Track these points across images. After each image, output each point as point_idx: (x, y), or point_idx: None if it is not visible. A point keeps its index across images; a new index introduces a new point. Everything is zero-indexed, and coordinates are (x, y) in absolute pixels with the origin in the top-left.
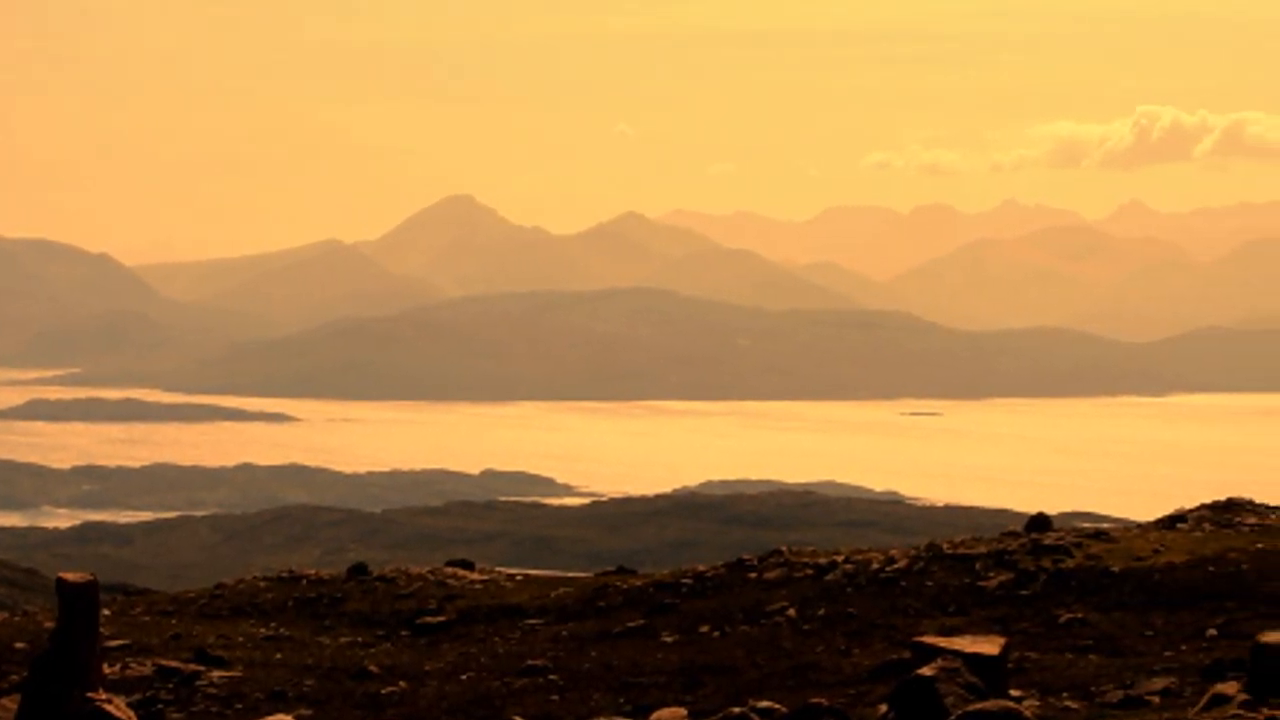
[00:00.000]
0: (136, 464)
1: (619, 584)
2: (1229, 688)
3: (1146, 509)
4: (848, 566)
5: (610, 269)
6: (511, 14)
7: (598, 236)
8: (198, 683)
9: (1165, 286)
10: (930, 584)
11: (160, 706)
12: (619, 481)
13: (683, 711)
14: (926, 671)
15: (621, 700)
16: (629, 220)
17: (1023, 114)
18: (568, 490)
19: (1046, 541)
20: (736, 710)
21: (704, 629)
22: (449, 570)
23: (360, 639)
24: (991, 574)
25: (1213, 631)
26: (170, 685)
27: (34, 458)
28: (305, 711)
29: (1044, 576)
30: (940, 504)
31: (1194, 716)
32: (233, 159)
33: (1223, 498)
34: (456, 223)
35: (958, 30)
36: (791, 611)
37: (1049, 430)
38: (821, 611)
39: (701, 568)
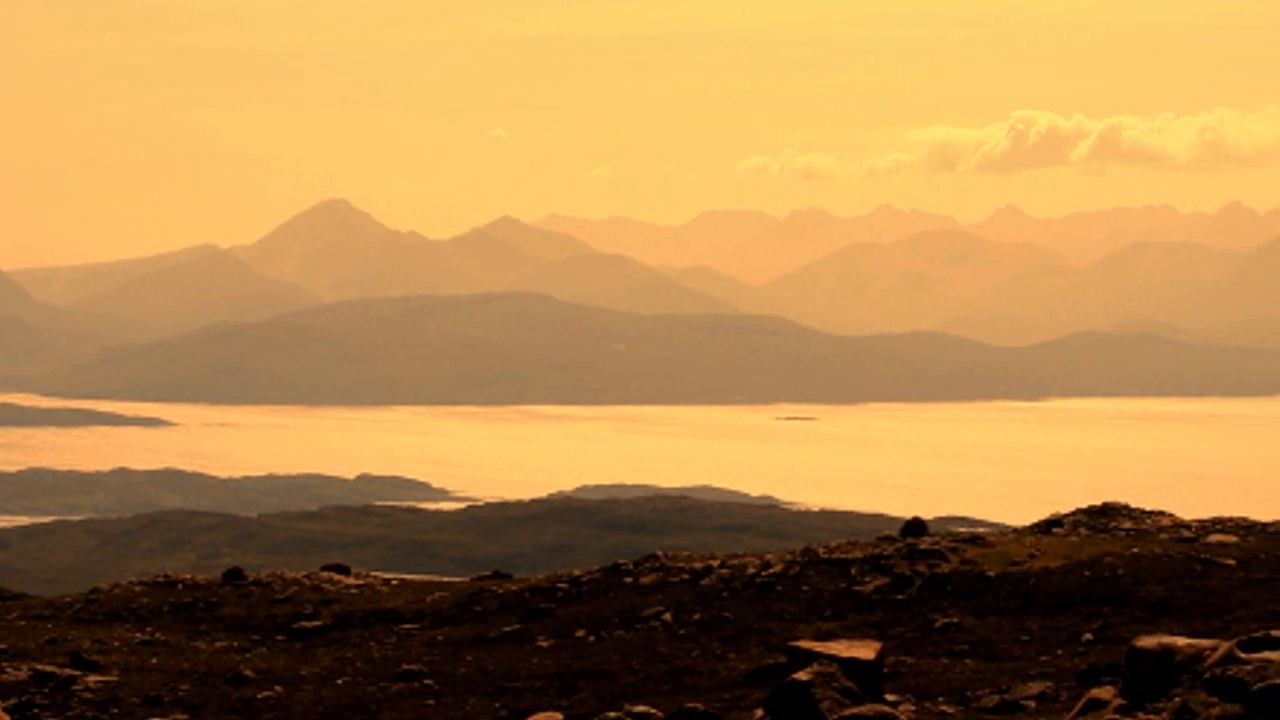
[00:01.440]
0: (12, 468)
1: (495, 589)
2: (1104, 692)
3: (1022, 514)
4: (723, 571)
5: (486, 273)
6: (387, 19)
7: (473, 241)
8: (74, 687)
9: (1040, 291)
10: (806, 588)
11: (36, 711)
12: (494, 486)
13: (558, 716)
14: (802, 676)
15: (497, 705)
16: (504, 225)
17: (898, 119)
18: (443, 495)
19: (922, 546)
20: (612, 715)
21: (580, 633)
22: (325, 575)
23: (236, 644)
24: (867, 578)
25: (1088, 636)
26: (46, 690)
27: None
28: (181, 716)
29: (920, 581)
30: (816, 508)
31: None
32: (109, 163)
33: (1098, 502)
34: (332, 227)
35: (833, 35)
36: (667, 616)
37: (925, 435)
38: (697, 616)
39: (577, 572)
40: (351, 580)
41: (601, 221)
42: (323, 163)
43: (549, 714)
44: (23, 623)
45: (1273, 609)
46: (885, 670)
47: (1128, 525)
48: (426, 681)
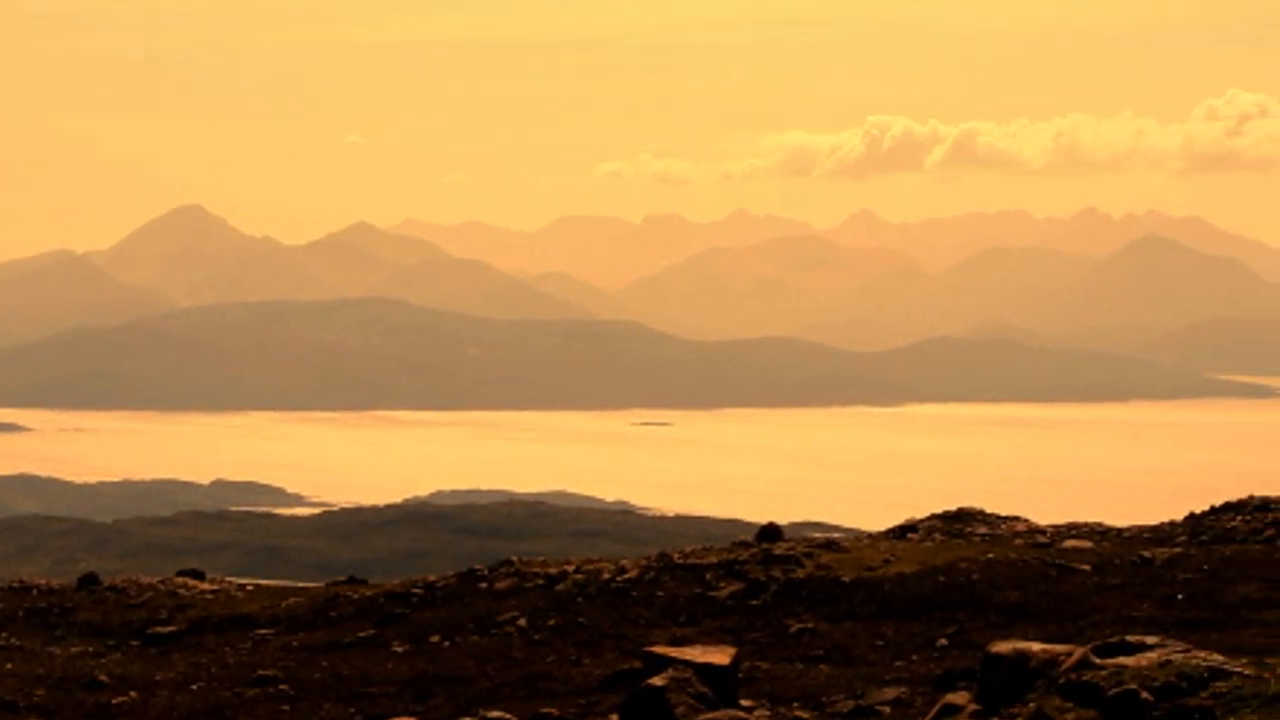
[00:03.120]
0: None
1: (350, 594)
2: (959, 698)
3: (877, 519)
4: (578, 576)
5: (341, 279)
6: (243, 24)
7: (328, 246)
8: None
9: (896, 296)
10: (661, 594)
11: None
12: (350, 491)
13: None
14: (657, 681)
15: (352, 710)
16: (360, 230)
17: (753, 124)
18: (299, 500)
19: (777, 551)
20: None
21: (434, 639)
22: (180, 580)
23: (91, 649)
24: (722, 584)
25: (943, 641)
26: None
27: None
28: None
29: (775, 586)
30: (671, 514)
31: None
32: None
33: (953, 508)
34: (187, 232)
35: (689, 40)
36: (522, 621)
37: (780, 440)
38: (552, 621)
39: (432, 578)
40: (207, 585)
41: (457, 227)
42: (178, 168)
43: (404, 719)
44: None
45: (1127, 614)
46: (740, 675)
47: (983, 530)
48: (282, 686)
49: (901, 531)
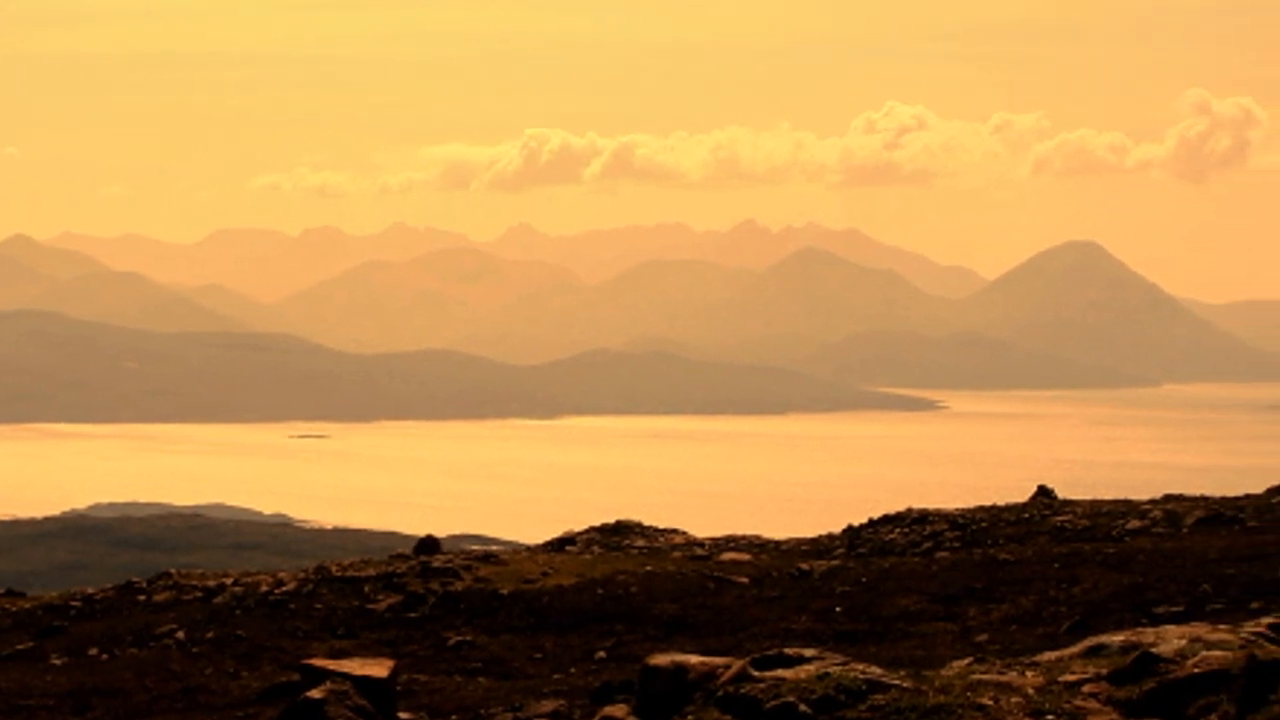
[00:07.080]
0: None
1: (7, 606)
2: (617, 710)
3: (536, 531)
4: (236, 589)
5: None
6: None
7: None
8: None
9: (553, 309)
10: (319, 606)
11: None
12: (6, 504)
13: None
14: (315, 694)
15: None
16: (17, 242)
17: (411, 136)
18: None
19: (435, 564)
20: None
21: (93, 651)
22: None
23: None
24: (380, 596)
25: (602, 654)
26: None
27: None
28: None
29: (433, 599)
30: (329, 526)
31: None
32: None
33: (611, 520)
34: None
35: (346, 53)
36: (180, 634)
37: (438, 453)
38: (210, 634)
39: (90, 590)
40: None
41: (115, 239)
42: None
43: None
44: None
45: (785, 626)
46: (399, 688)
47: (641, 543)
48: None
49: (560, 544)
